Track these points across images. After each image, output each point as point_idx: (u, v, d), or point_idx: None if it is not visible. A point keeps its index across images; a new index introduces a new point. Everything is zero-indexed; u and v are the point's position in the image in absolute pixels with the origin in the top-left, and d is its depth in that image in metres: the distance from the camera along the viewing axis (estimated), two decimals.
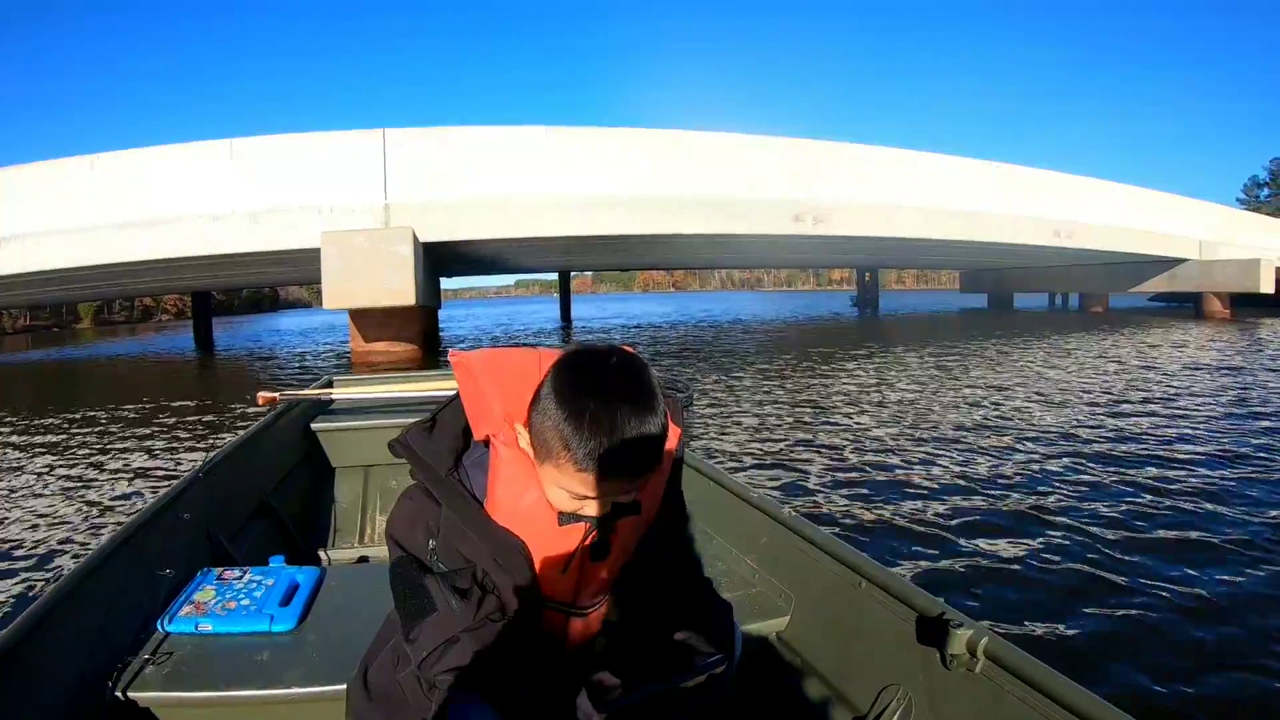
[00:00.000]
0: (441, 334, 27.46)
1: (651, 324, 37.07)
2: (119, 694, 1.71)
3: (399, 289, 15.76)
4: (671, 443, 1.24)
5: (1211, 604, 3.79)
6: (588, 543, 1.24)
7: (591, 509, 1.18)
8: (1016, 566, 4.30)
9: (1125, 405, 9.82)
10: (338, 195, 16.85)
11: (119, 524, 2.87)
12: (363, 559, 3.71)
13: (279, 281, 31.37)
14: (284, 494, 3.71)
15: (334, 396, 4.82)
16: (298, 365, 19.27)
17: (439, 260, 20.83)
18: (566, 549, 1.24)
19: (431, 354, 17.92)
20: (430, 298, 19.79)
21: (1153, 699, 2.99)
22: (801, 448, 7.48)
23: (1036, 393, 11.12)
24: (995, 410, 9.61)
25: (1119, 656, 3.31)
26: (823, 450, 7.35)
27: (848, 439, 7.90)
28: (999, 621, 3.48)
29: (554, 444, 1.10)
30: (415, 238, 16.13)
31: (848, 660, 1.93)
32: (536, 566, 1.24)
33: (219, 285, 32.60)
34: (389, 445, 1.35)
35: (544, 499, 1.19)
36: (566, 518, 1.19)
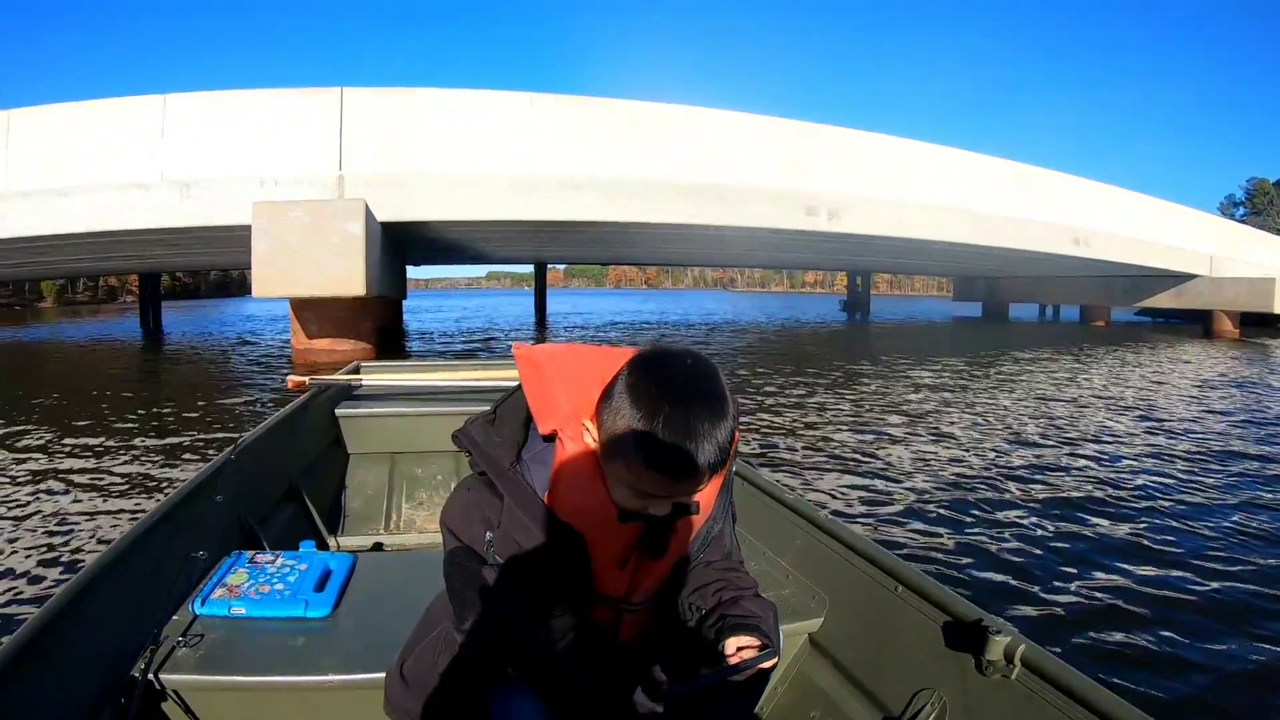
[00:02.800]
0: (406, 330, 25.25)
1: (642, 322, 35.43)
2: (151, 676, 1.71)
3: (345, 275, 13.34)
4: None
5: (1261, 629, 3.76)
6: (645, 540, 1.31)
7: (656, 508, 1.21)
8: (1062, 581, 4.28)
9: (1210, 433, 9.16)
10: (286, 164, 14.49)
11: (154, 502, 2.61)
12: (386, 545, 3.92)
13: (223, 265, 28.87)
14: (311, 479, 3.76)
15: (362, 382, 4.83)
16: (226, 368, 16.84)
17: (402, 245, 18.64)
18: (623, 545, 1.30)
19: (390, 354, 15.57)
20: (390, 287, 17.34)
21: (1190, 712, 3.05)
22: (868, 473, 6.92)
23: (1116, 414, 10.48)
24: (1079, 434, 8.92)
25: (1160, 670, 3.32)
26: (892, 474, 6.87)
27: (917, 462, 7.36)
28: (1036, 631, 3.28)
29: (626, 443, 1.13)
30: (369, 214, 13.79)
31: (881, 663, 1.94)
32: (595, 563, 1.29)
33: (150, 268, 29.74)
34: (452, 436, 1.41)
35: (606, 496, 1.23)
36: (628, 515, 1.22)
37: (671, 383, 1.13)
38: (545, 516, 1.25)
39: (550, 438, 1.29)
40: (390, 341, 18.43)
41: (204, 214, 14.28)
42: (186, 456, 6.96)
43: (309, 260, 13.16)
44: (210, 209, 14.22)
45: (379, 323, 15.91)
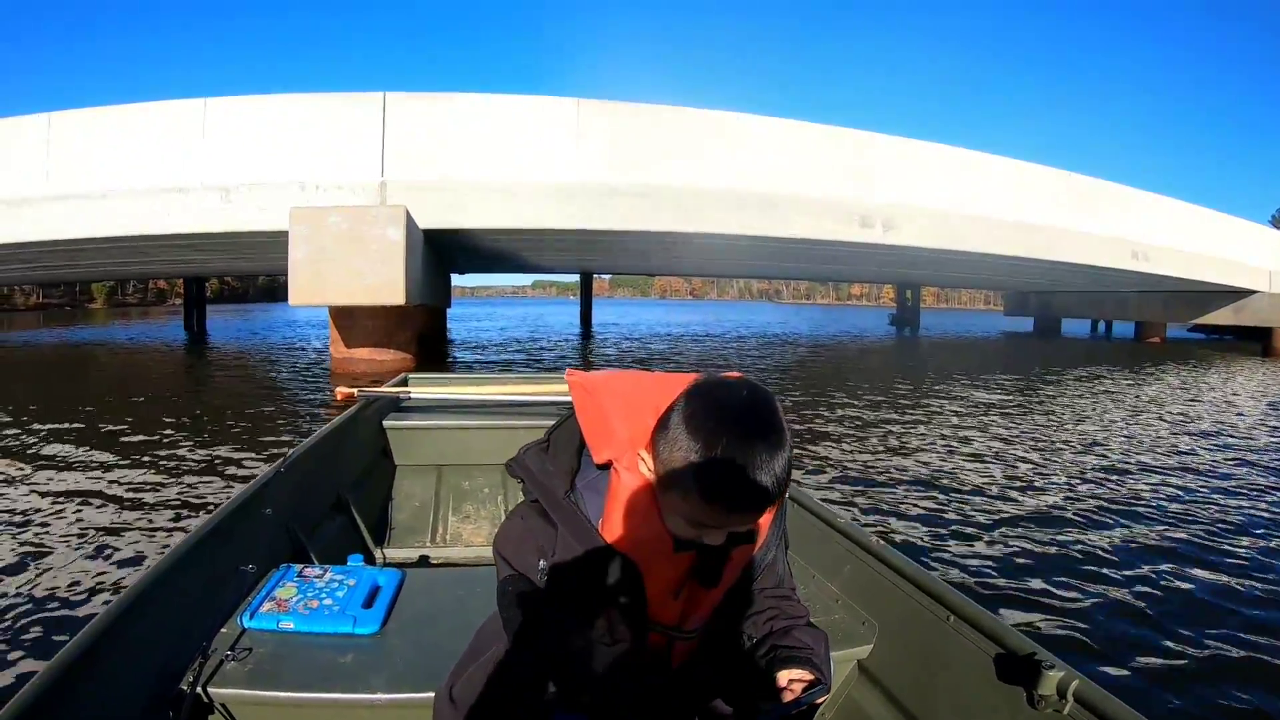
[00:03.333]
0: (450, 339, 24.89)
1: (689, 335, 34.57)
2: (200, 689, 1.71)
3: (384, 283, 12.90)
4: None
5: None
6: (699, 569, 1.29)
7: (710, 537, 1.20)
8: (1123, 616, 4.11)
9: None
10: (327, 170, 14.24)
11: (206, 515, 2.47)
12: (433, 559, 3.96)
13: (264, 270, 28.82)
14: (359, 491, 3.77)
15: (410, 394, 4.84)
16: (267, 377, 16.54)
17: (445, 253, 18.24)
18: (677, 574, 1.28)
19: (433, 364, 15.29)
20: (432, 295, 17.00)
21: None
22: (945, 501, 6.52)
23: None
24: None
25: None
26: (952, 500, 6.53)
27: (978, 490, 6.96)
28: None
29: (683, 474, 1.12)
30: (410, 220, 13.41)
31: (931, 693, 1.90)
32: (648, 591, 1.27)
33: (192, 272, 30.01)
34: (506, 466, 1.42)
35: (661, 525, 1.21)
36: (683, 544, 1.22)
37: (729, 414, 1.12)
38: (600, 546, 1.25)
39: (604, 465, 1.28)
40: (433, 350, 18.01)
41: (243, 219, 14.09)
42: (226, 469, 6.77)
43: (347, 267, 12.77)
44: (249, 214, 14.04)
45: (421, 331, 15.50)
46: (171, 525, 5.15)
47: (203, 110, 14.54)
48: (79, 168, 14.50)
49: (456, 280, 26.53)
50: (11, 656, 3.28)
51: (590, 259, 27.09)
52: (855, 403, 12.05)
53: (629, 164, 15.46)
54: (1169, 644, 3.79)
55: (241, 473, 6.58)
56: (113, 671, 1.58)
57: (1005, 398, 13.35)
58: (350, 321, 14.26)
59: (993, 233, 19.61)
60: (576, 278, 42.06)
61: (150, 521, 5.24)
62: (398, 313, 14.06)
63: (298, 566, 2.30)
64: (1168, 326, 37.04)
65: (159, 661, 1.73)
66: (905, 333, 42.51)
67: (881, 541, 2.30)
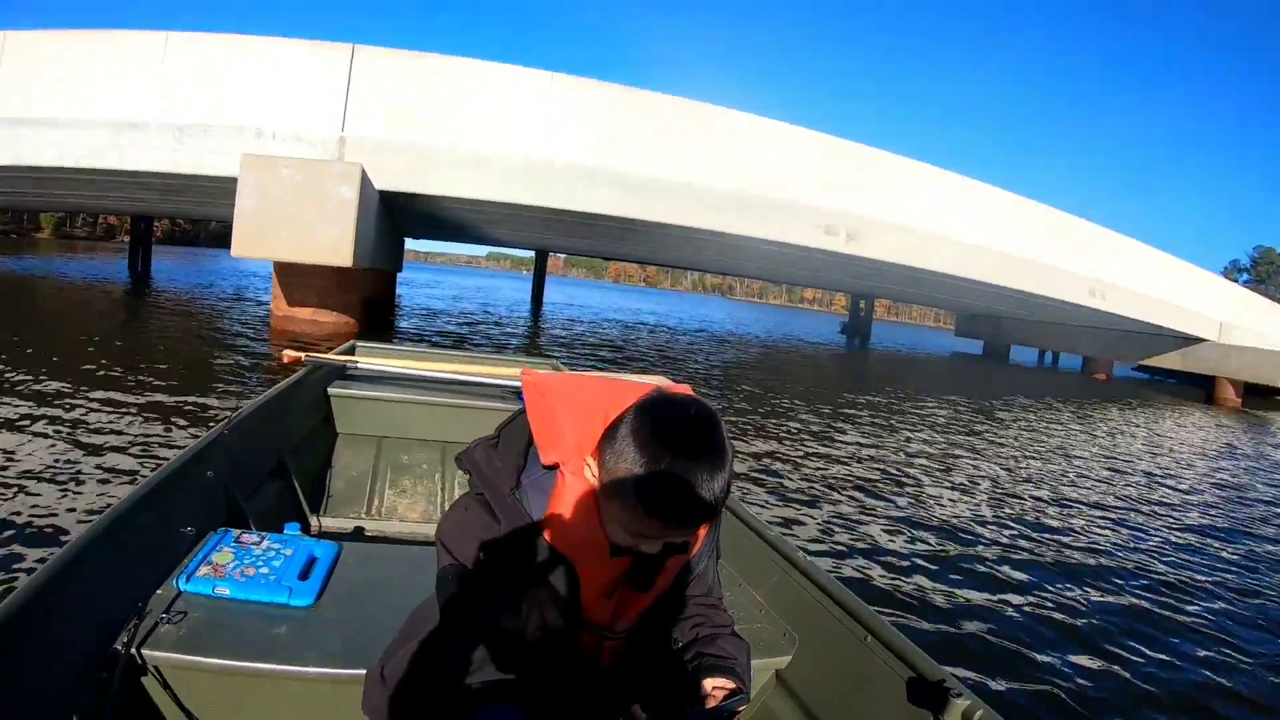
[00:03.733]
0: (399, 305, 24.34)
1: (640, 323, 34.36)
2: (134, 651, 1.70)
3: (333, 244, 12.36)
4: None
5: None
6: (633, 574, 1.33)
7: (648, 546, 1.23)
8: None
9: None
10: (286, 119, 13.75)
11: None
12: (368, 531, 3.90)
13: (217, 217, 27.91)
14: (298, 458, 3.73)
15: (358, 364, 4.79)
16: (209, 328, 15.94)
17: (401, 216, 17.78)
18: (612, 577, 1.33)
19: (378, 330, 14.82)
20: (384, 259, 16.59)
21: None
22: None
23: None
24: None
25: None
26: (882, 516, 6.61)
27: (912, 508, 7.05)
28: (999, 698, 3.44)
29: (627, 486, 1.14)
30: (365, 179, 12.89)
31: (844, 709, 1.95)
32: (582, 590, 1.31)
33: (144, 210, 29.07)
34: (455, 459, 1.45)
35: (601, 530, 1.24)
36: (620, 550, 1.25)
37: (674, 432, 1.15)
38: (540, 544, 1.29)
39: (551, 466, 1.30)
40: (380, 316, 17.56)
41: (194, 162, 13.56)
42: (151, 431, 6.26)
43: (296, 223, 12.19)
44: (202, 157, 13.50)
45: (368, 295, 15.02)
46: (87, 492, 4.74)
47: (164, 44, 13.97)
48: (33, 93, 13.96)
49: (410, 244, 26.00)
50: None
51: (550, 238, 26.70)
52: (802, 414, 11.88)
53: (604, 146, 15.15)
54: (1072, 671, 3.93)
55: (166, 433, 6.18)
56: (48, 627, 1.57)
57: (957, 421, 13.31)
58: (294, 279, 13.74)
59: (960, 255, 19.63)
60: (532, 254, 41.81)
61: (74, 483, 4.86)
62: (344, 274, 13.56)
63: (235, 532, 2.29)
64: (1115, 364, 37.50)
65: (93, 621, 1.71)
66: (855, 343, 42.76)
67: (808, 556, 2.34)
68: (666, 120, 15.80)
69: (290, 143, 13.41)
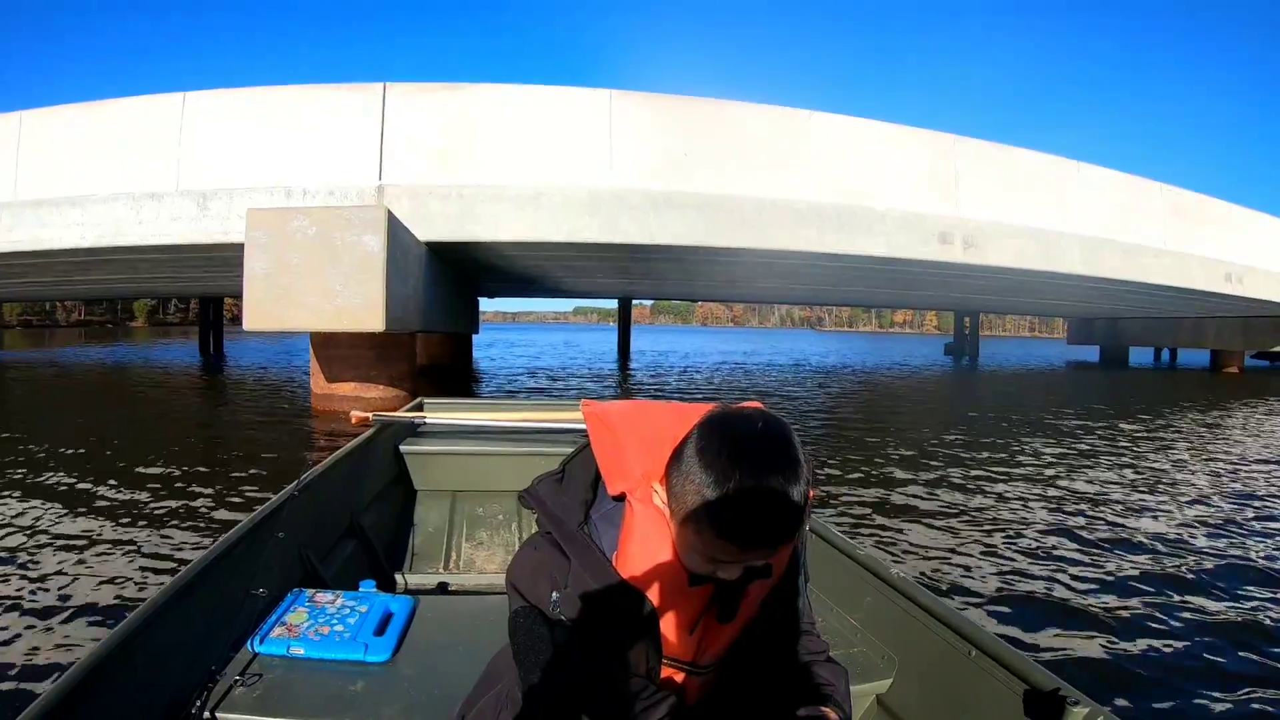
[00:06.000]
0: (476, 370, 22.90)
1: (753, 365, 31.95)
2: (208, 713, 1.72)
3: (359, 304, 10.31)
4: None
5: None
6: (715, 604, 1.25)
7: (726, 572, 1.15)
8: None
9: None
10: (316, 173, 12.38)
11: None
12: (446, 585, 3.82)
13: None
14: (372, 516, 3.78)
15: (425, 419, 4.87)
16: (278, 404, 14.58)
17: (467, 272, 17.14)
18: (693, 609, 1.25)
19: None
20: (443, 320, 15.10)
21: None
22: None
23: None
24: None
25: None
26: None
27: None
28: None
29: (697, 510, 1.08)
30: (394, 224, 10.86)
31: None
32: (662, 625, 1.24)
33: (189, 291, 28.66)
34: (519, 496, 1.40)
35: (676, 559, 1.19)
36: (698, 579, 1.19)
37: (743, 447, 1.06)
38: (613, 580, 1.22)
39: (620, 497, 1.25)
40: (446, 383, 15.97)
41: (220, 229, 12.22)
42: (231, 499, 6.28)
43: (315, 284, 10.30)
44: (228, 223, 12.14)
45: (427, 361, 13.32)
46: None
47: (180, 106, 12.86)
48: (51, 173, 13.15)
49: (498, 305, 24.92)
50: (20, 675, 3.08)
51: (630, 283, 24.72)
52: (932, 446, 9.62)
53: (674, 168, 13.21)
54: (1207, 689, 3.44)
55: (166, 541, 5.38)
56: (121, 692, 1.55)
57: (1111, 442, 10.60)
58: (329, 351, 11.91)
59: (1086, 253, 17.18)
60: (615, 304, 40.20)
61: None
62: (388, 341, 11.76)
63: (309, 592, 2.29)
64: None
65: (168, 684, 1.71)
66: (964, 363, 39.33)
67: (902, 573, 2.22)
68: (745, 132, 13.75)
69: (324, 198, 11.92)
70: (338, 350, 11.76)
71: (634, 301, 40.80)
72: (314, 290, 10.24)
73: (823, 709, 1.28)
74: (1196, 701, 3.33)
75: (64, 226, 12.90)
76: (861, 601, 2.33)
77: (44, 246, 13.11)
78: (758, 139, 13.73)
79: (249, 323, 10.40)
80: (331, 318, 10.34)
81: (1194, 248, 19.93)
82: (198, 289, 27.44)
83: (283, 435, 9.75)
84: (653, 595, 1.20)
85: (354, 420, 4.74)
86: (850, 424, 12.56)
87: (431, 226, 12.23)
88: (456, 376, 18.35)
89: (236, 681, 1.80)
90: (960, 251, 15.03)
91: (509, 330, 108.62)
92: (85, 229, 12.84)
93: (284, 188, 12.14)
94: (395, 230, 10.76)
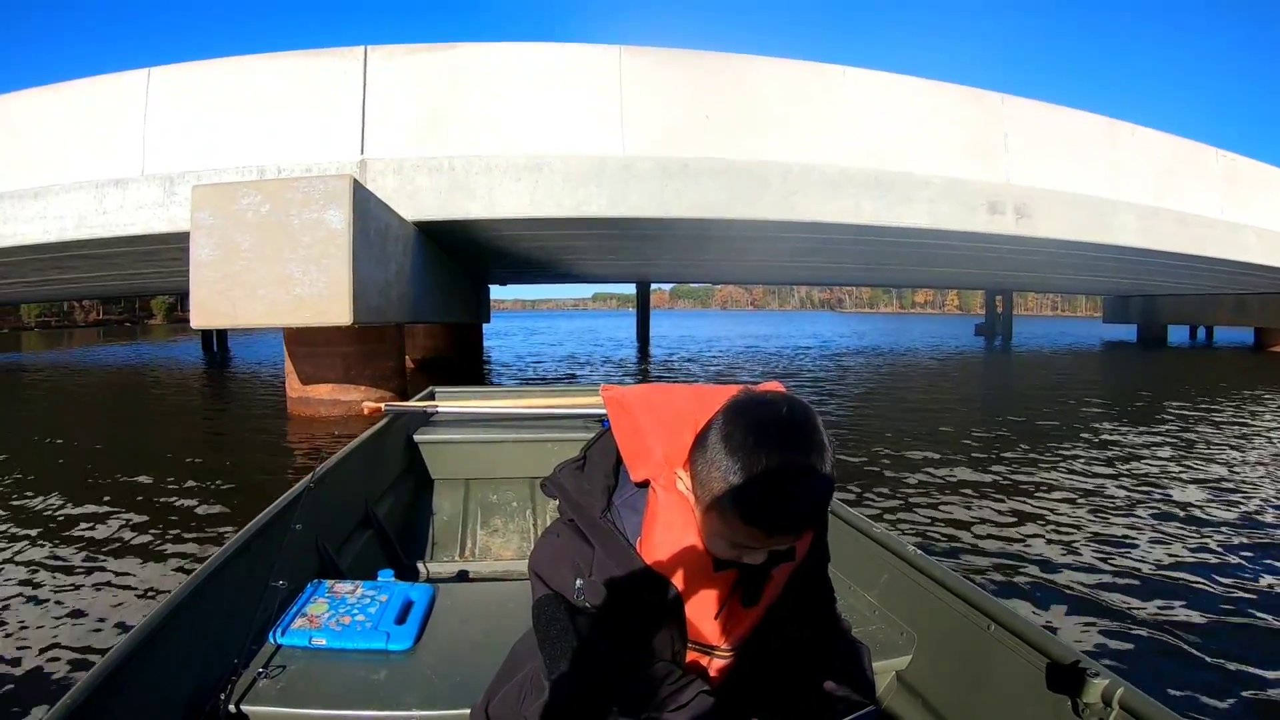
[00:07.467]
0: (487, 362, 21.60)
1: (756, 350, 30.44)
2: (232, 706, 1.72)
3: (321, 293, 8.70)
4: None
5: None
6: (740, 588, 1.24)
7: (751, 557, 1.15)
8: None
9: None
10: (293, 150, 11.24)
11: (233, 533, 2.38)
12: (463, 573, 3.88)
13: None
14: (387, 505, 3.81)
15: (438, 408, 4.88)
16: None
17: (471, 257, 16.36)
18: (718, 593, 1.24)
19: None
20: (438, 310, 14.03)
21: None
22: None
23: None
24: None
25: None
26: None
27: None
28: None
29: (721, 495, 1.07)
30: (361, 194, 9.16)
31: (972, 705, 1.87)
32: (687, 610, 1.24)
33: (170, 288, 27.50)
34: (541, 485, 1.37)
35: (701, 545, 1.18)
36: (723, 564, 1.18)
37: (767, 432, 1.05)
38: (638, 566, 1.21)
39: (642, 484, 1.23)
40: (446, 381, 14.54)
41: (189, 216, 10.74)
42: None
43: (268, 271, 8.79)
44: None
45: (421, 356, 12.01)
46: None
47: (145, 81, 11.79)
48: (9, 163, 12.21)
49: (516, 293, 23.79)
50: (48, 670, 3.11)
51: (645, 264, 23.35)
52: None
53: (692, 133, 11.85)
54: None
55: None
56: (145, 688, 1.55)
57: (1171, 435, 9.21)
58: (301, 347, 10.46)
59: (1141, 223, 15.65)
60: (634, 289, 39.01)
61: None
62: (371, 334, 10.39)
63: (329, 582, 2.30)
64: None
65: (191, 678, 1.72)
66: (996, 344, 37.79)
67: (918, 550, 2.23)
68: (772, 90, 12.31)
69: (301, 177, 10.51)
70: (312, 346, 10.36)
71: (652, 286, 39.60)
72: (269, 279, 8.70)
73: (848, 687, 1.27)
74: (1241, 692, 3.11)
75: (25, 221, 11.98)
76: (879, 579, 2.34)
77: (3, 244, 12.21)
78: (783, 99, 12.30)
79: (196, 319, 8.85)
80: (290, 310, 8.76)
81: (1247, 217, 18.49)
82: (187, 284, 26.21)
83: (247, 449, 8.56)
84: (677, 581, 1.19)
85: (366, 411, 4.79)
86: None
87: (420, 204, 11.07)
88: (460, 372, 17.00)
89: (260, 674, 1.79)
90: (1013, 223, 13.59)
91: (528, 318, 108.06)
92: (47, 223, 11.87)
93: (257, 167, 11.04)
94: (364, 204, 9.23)
